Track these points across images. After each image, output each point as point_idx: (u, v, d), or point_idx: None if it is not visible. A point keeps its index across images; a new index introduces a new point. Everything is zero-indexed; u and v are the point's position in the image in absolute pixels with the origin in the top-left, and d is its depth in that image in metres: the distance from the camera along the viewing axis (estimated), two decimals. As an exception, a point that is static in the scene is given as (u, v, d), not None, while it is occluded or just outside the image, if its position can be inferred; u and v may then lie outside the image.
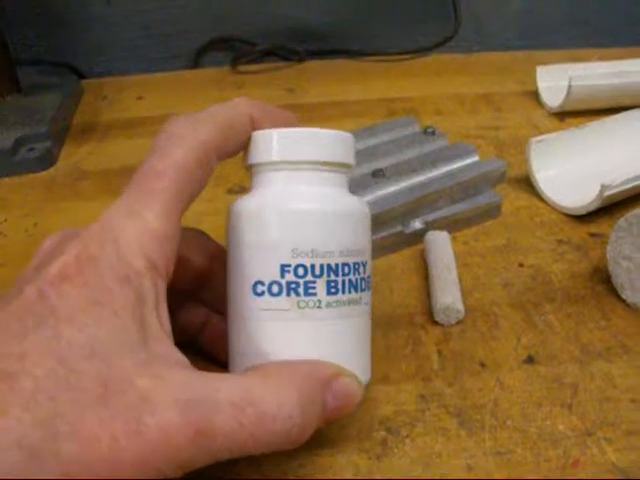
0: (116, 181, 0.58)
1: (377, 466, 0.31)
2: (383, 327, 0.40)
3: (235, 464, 0.31)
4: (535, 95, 0.71)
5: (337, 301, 0.30)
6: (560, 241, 0.47)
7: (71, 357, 0.24)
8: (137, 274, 0.26)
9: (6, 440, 0.22)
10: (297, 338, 0.30)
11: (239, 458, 0.27)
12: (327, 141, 0.31)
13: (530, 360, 0.37)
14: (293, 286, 0.30)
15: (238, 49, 0.86)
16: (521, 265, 0.45)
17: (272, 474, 0.31)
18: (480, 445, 0.32)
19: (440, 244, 0.44)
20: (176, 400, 0.24)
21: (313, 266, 0.30)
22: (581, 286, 0.43)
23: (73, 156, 0.63)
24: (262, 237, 0.30)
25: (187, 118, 0.30)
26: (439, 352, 0.38)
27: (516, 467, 0.31)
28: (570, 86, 0.64)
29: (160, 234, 0.27)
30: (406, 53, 0.85)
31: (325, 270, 0.30)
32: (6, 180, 0.59)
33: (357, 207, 0.32)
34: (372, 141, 0.54)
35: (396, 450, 0.32)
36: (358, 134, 0.55)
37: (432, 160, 0.50)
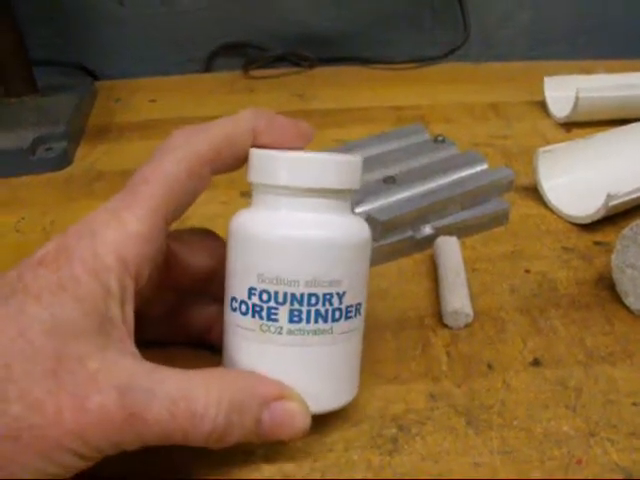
0: (130, 182, 0.59)
1: (389, 462, 0.32)
2: (394, 329, 0.41)
3: (252, 458, 0.32)
4: (542, 105, 0.72)
5: (300, 330, 0.31)
6: (566, 249, 0.49)
7: (31, 331, 0.26)
8: (106, 269, 0.28)
9: None
10: (258, 359, 0.31)
11: (256, 453, 0.31)
12: (321, 168, 0.31)
13: (536, 363, 0.38)
14: (257, 309, 0.31)
15: (249, 54, 0.87)
16: (528, 271, 0.46)
17: (287, 468, 0.32)
18: (487, 444, 0.33)
19: (450, 249, 0.45)
20: (119, 384, 0.26)
21: (277, 293, 0.30)
22: (586, 293, 0.44)
23: (89, 156, 0.64)
24: (238, 257, 0.31)
25: (187, 129, 0.32)
26: (448, 354, 0.39)
27: (522, 465, 0.32)
28: (577, 98, 0.65)
29: (138, 235, 0.29)
30: (415, 62, 0.86)
31: (289, 298, 0.30)
32: (24, 179, 0.60)
33: (342, 236, 0.31)
34: (383, 148, 0.55)
35: (407, 447, 0.33)
36: (369, 141, 0.56)
37: (442, 168, 0.51)
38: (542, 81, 0.73)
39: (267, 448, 0.32)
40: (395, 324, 0.41)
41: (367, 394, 0.36)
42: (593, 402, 0.36)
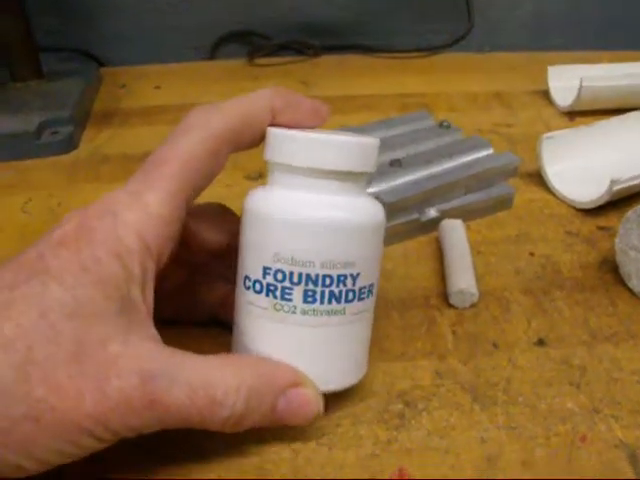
0: (135, 166, 0.59)
1: (395, 437, 0.33)
2: (400, 308, 0.41)
3: (262, 432, 0.32)
4: (546, 94, 0.73)
5: (314, 310, 0.31)
6: (569, 233, 0.49)
7: (53, 313, 0.26)
8: (128, 251, 0.28)
9: None
10: (271, 338, 0.32)
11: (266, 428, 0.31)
12: (340, 150, 0.31)
13: (541, 343, 0.39)
14: (272, 288, 0.31)
15: (254, 43, 0.87)
16: (532, 254, 0.47)
17: (295, 444, 0.32)
18: (493, 420, 0.34)
19: (455, 231, 0.45)
20: (140, 369, 0.26)
21: (292, 273, 0.30)
22: (589, 275, 0.45)
23: (94, 141, 0.65)
24: (252, 236, 0.31)
25: (204, 108, 0.32)
26: (454, 332, 0.39)
27: (527, 441, 0.32)
28: (581, 87, 0.65)
29: (158, 217, 0.29)
30: (419, 51, 0.86)
31: (304, 279, 0.30)
32: (30, 162, 0.60)
33: (357, 218, 0.31)
34: (388, 133, 0.55)
35: (413, 422, 0.33)
36: (375, 126, 0.56)
37: (448, 152, 0.51)
38: (545, 71, 0.73)
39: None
40: (401, 304, 0.42)
41: (374, 370, 0.36)
42: (597, 380, 0.36)
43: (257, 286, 0.31)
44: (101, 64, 0.85)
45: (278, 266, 0.30)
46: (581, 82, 0.65)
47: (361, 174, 0.32)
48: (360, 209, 0.32)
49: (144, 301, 0.29)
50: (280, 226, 0.30)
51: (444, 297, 0.42)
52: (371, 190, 0.46)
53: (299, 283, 0.30)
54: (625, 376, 0.36)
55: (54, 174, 0.59)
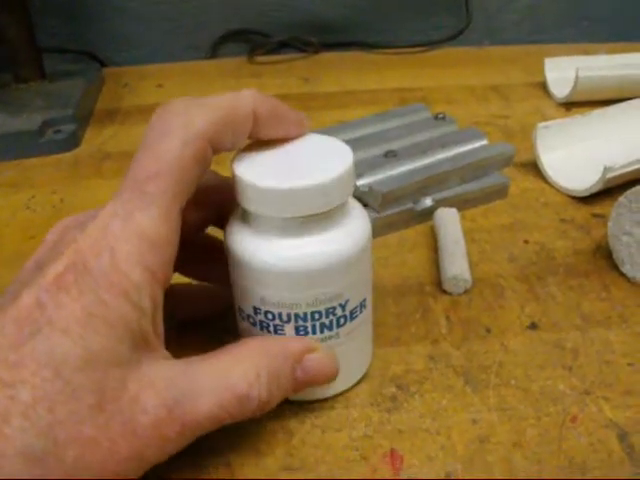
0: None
1: (388, 419, 0.33)
2: (395, 295, 0.42)
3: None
4: (543, 86, 0.73)
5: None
6: (564, 220, 0.49)
7: (67, 369, 0.25)
8: (134, 287, 0.26)
9: (11, 448, 0.23)
10: None
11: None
12: (306, 196, 0.29)
13: (533, 327, 0.39)
14: (264, 325, 0.32)
15: (254, 41, 0.88)
16: (526, 242, 0.47)
17: (290, 424, 0.33)
18: (485, 402, 0.34)
19: (449, 220, 0.46)
20: (164, 399, 0.26)
21: (280, 314, 0.31)
22: (583, 261, 0.45)
23: (96, 139, 0.65)
24: (238, 279, 0.32)
25: (182, 105, 0.30)
26: (447, 318, 0.40)
27: (518, 422, 0.33)
28: (577, 77, 0.65)
29: (157, 240, 0.27)
30: (418, 46, 0.86)
31: (292, 317, 0.31)
32: (34, 160, 0.61)
33: (339, 252, 0.30)
34: (384, 125, 0.56)
35: (406, 405, 0.34)
36: (371, 119, 0.57)
37: (443, 142, 0.52)
38: (542, 63, 0.73)
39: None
40: (396, 291, 0.42)
41: (368, 355, 0.37)
42: (589, 363, 0.36)
43: (251, 319, 0.32)
44: (103, 65, 0.86)
45: (266, 308, 0.31)
46: (577, 73, 0.65)
47: (336, 207, 0.31)
48: (342, 240, 0.31)
49: (155, 331, 0.28)
50: (262, 274, 0.30)
51: (438, 284, 0.42)
52: (366, 181, 0.47)
53: (289, 321, 0.31)
54: (617, 359, 0.37)
55: (57, 171, 0.59)
